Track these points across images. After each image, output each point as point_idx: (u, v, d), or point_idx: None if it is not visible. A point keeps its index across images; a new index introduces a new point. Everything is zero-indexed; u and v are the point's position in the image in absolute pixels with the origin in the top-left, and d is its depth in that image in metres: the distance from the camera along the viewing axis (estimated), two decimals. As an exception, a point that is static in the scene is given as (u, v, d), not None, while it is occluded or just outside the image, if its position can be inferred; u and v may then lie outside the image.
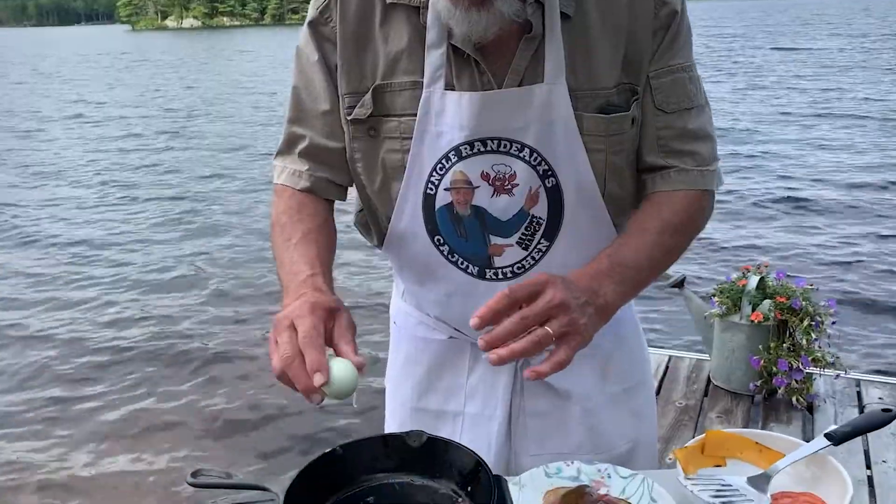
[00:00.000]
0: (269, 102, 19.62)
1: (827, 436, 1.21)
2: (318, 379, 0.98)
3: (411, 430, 1.09)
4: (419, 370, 1.50)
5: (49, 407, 4.75)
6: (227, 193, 10.44)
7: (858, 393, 3.49)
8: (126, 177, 11.68)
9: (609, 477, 1.29)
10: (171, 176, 11.68)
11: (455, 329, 1.45)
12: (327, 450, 1.06)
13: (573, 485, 1.25)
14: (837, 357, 3.33)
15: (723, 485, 1.20)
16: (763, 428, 3.24)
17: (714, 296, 3.50)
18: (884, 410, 1.23)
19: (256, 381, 4.99)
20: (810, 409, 3.37)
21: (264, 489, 1.00)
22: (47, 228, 8.86)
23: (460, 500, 1.03)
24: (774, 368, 3.30)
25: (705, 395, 3.55)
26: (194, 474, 1.03)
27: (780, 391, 3.34)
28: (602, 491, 1.22)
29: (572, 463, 1.32)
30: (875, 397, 3.43)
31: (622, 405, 1.49)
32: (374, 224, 1.40)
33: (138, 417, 4.60)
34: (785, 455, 1.26)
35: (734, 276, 3.55)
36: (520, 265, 1.33)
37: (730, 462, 1.30)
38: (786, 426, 3.24)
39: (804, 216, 8.38)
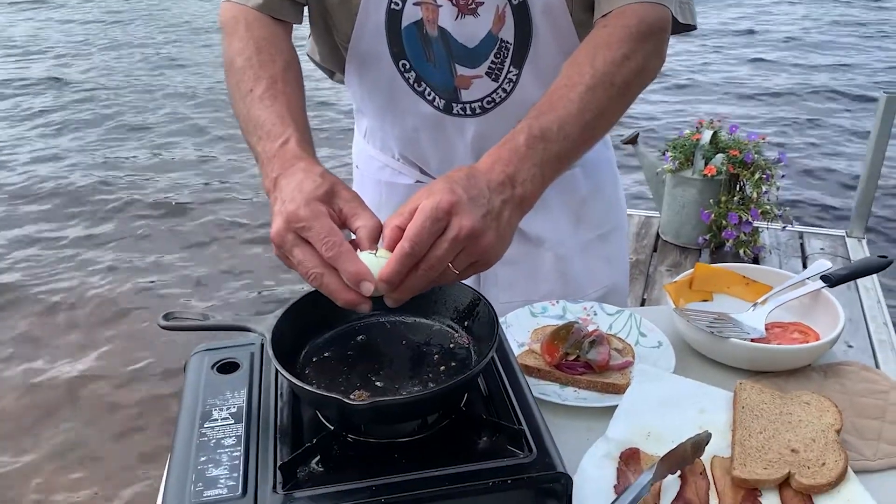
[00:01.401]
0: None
1: (823, 278, 1.19)
2: (367, 289, 0.84)
3: (399, 267, 1.02)
4: (384, 218, 1.41)
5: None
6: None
7: (801, 245, 3.59)
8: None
9: (595, 314, 1.26)
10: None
11: (421, 171, 1.36)
12: (313, 288, 0.98)
13: (559, 323, 1.22)
14: (785, 209, 3.39)
15: (716, 317, 1.18)
16: (711, 279, 3.31)
17: (667, 151, 3.48)
18: (880, 257, 1.22)
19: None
20: (756, 260, 3.45)
21: (247, 329, 0.92)
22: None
23: (456, 334, 0.98)
24: (724, 222, 3.35)
25: (654, 250, 3.59)
26: (166, 316, 0.94)
27: (728, 244, 3.40)
28: (590, 328, 1.19)
29: (557, 302, 1.28)
30: (817, 248, 3.54)
31: (595, 251, 1.45)
32: (331, 52, 1.27)
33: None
34: (772, 287, 1.24)
35: (687, 131, 3.52)
36: (489, 99, 1.23)
37: (717, 297, 1.28)
38: (733, 277, 3.32)
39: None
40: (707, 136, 3.36)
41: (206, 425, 0.89)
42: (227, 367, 0.99)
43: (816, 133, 6.57)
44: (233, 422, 0.89)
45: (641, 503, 0.88)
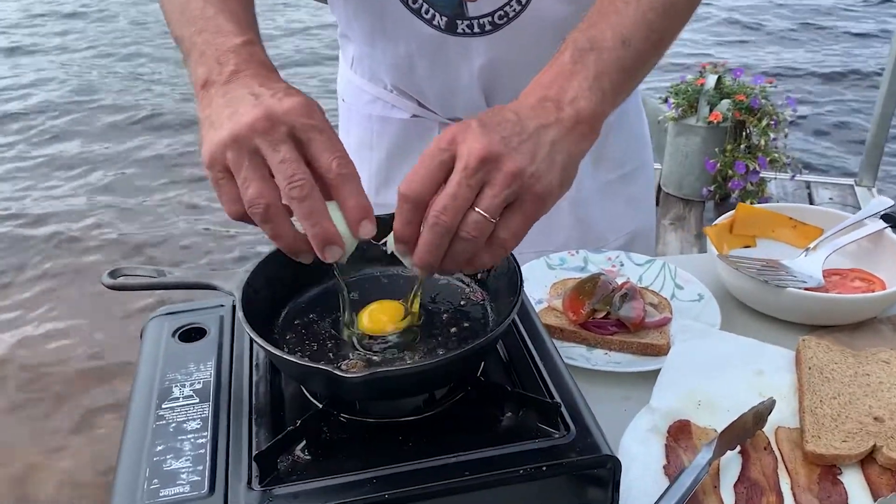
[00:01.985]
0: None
1: (885, 217, 1.03)
2: (332, 254, 0.67)
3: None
4: (376, 157, 1.23)
5: None
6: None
7: (809, 194, 3.44)
8: None
9: (622, 265, 1.09)
10: None
11: (418, 104, 1.18)
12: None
13: (581, 276, 1.05)
14: (793, 157, 3.23)
15: (764, 265, 1.01)
16: (717, 232, 3.16)
17: (669, 97, 3.30)
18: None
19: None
20: (763, 211, 3.30)
21: (212, 287, 0.75)
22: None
23: (468, 289, 0.81)
24: (730, 171, 3.18)
25: (656, 203, 3.42)
26: (112, 273, 0.77)
27: (733, 195, 3.25)
28: (620, 280, 1.02)
29: (577, 252, 1.11)
30: (825, 198, 3.39)
31: (617, 194, 1.27)
32: None
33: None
34: (823, 230, 1.08)
35: (690, 76, 3.34)
36: (501, 13, 1.04)
37: (760, 242, 1.12)
38: (740, 229, 3.17)
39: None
40: (711, 80, 3.17)
41: (164, 406, 0.72)
42: (191, 335, 0.82)
43: (825, 88, 6.32)
44: (197, 400, 0.73)
45: (700, 486, 0.73)
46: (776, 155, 3.14)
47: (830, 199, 3.37)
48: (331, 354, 0.73)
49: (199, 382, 0.75)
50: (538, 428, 0.68)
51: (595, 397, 0.85)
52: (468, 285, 0.82)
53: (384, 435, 0.69)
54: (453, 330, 0.76)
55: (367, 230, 0.67)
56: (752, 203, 3.20)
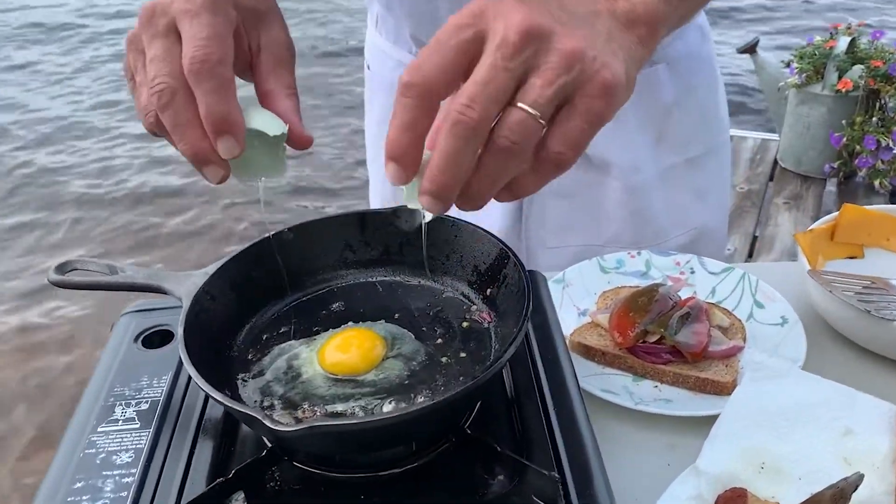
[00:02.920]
0: None
1: None
2: (227, 148, 0.55)
3: (400, 206, 0.70)
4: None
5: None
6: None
7: (951, 175, 3.03)
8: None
9: (692, 272, 0.91)
10: None
11: None
12: (267, 233, 0.68)
13: (641, 283, 0.88)
14: (935, 133, 2.84)
15: (869, 284, 0.81)
16: (838, 215, 2.84)
17: (792, 61, 2.95)
18: None
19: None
20: (893, 194, 2.94)
21: (159, 291, 0.63)
22: None
23: (474, 306, 0.66)
24: (858, 147, 2.83)
25: (770, 178, 3.11)
26: (61, 268, 0.66)
27: (860, 173, 2.90)
28: (685, 294, 0.84)
29: (639, 253, 0.93)
30: (971, 180, 2.97)
31: (682, 181, 1.06)
32: None
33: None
34: (955, 242, 0.85)
35: (818, 38, 2.98)
36: None
37: (869, 252, 0.91)
38: (865, 213, 2.83)
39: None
40: (843, 43, 2.81)
41: (101, 429, 0.61)
42: (156, 339, 0.71)
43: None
44: (138, 426, 0.62)
45: (748, 587, 0.56)
46: (914, 129, 2.76)
47: (976, 181, 2.96)
48: (298, 383, 0.60)
49: (145, 402, 0.64)
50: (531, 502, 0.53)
51: (632, 442, 0.70)
52: (473, 302, 0.67)
53: (346, 491, 0.56)
54: (444, 360, 0.61)
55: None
56: (881, 183, 2.86)
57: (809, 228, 0.87)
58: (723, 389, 0.74)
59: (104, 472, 0.57)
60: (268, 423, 0.49)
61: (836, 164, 2.95)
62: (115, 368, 0.68)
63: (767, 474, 0.65)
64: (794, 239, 2.74)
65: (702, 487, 0.63)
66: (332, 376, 0.60)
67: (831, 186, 3.03)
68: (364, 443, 0.53)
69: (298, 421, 0.55)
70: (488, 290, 0.66)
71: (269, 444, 0.57)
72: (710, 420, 0.71)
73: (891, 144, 2.79)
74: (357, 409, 0.56)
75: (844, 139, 2.86)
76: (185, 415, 0.62)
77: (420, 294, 0.69)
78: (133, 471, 0.57)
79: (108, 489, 0.56)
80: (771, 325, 0.82)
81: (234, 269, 0.66)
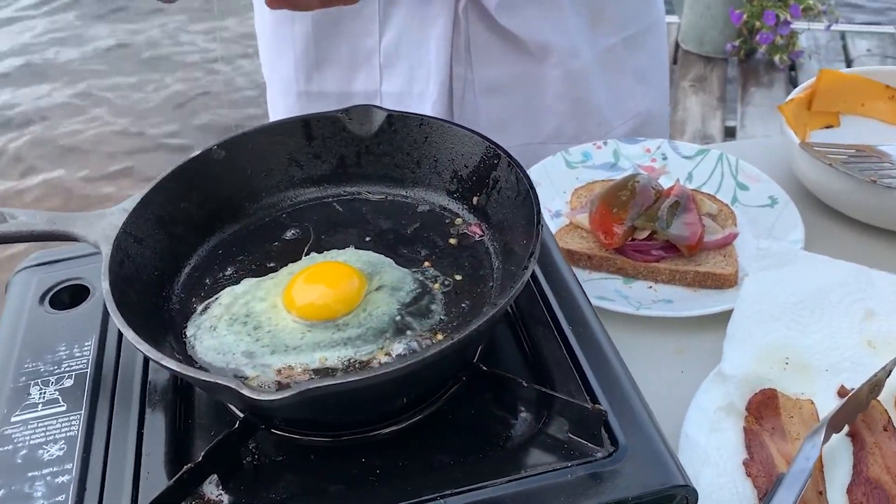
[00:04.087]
0: None
1: None
2: None
3: (354, 106, 0.58)
4: (300, 32, 0.92)
5: None
6: None
7: (844, 46, 3.08)
8: None
9: (664, 158, 0.83)
10: None
11: None
12: (194, 153, 0.55)
13: (612, 176, 0.79)
14: (829, 3, 2.86)
15: (855, 153, 0.75)
16: (743, 93, 2.85)
17: (689, -62, 2.89)
18: None
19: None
20: (793, 68, 2.97)
21: (68, 238, 0.50)
22: None
23: (458, 219, 0.56)
24: (758, 23, 2.82)
25: (674, 62, 3.08)
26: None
27: (760, 50, 2.90)
28: (664, 181, 0.77)
29: (605, 143, 0.85)
30: (863, 49, 3.04)
31: (622, 64, 0.97)
32: None
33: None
34: (933, 102, 0.80)
35: (713, -88, 2.91)
36: None
37: (845, 119, 0.85)
38: (767, 89, 2.86)
39: None
40: (738, -84, 2.76)
41: (15, 418, 0.49)
42: (68, 297, 0.58)
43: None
44: (64, 408, 0.49)
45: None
46: (811, 2, 2.77)
47: (868, 50, 3.02)
48: (263, 334, 0.49)
49: (68, 377, 0.51)
50: (570, 443, 0.44)
51: (639, 352, 0.62)
52: (458, 214, 0.56)
53: (339, 457, 0.46)
54: (437, 286, 0.51)
55: None
56: (780, 58, 2.87)
57: (789, 98, 0.80)
58: (725, 282, 0.68)
59: (30, 473, 0.45)
60: (248, 394, 0.38)
61: (737, 43, 2.94)
62: (21, 339, 0.54)
63: (793, 370, 0.59)
64: (716, 107, 2.73)
65: (731, 394, 0.57)
66: (304, 322, 0.48)
67: (733, 65, 3.03)
68: (369, 400, 0.43)
69: (281, 385, 0.45)
70: (475, 199, 0.55)
71: (241, 414, 0.46)
72: (717, 318, 0.65)
73: (789, 18, 2.79)
74: (346, 361, 0.46)
75: (745, 16, 2.84)
76: (123, 386, 0.50)
77: (390, 211, 0.57)
78: (68, 466, 0.45)
79: (39, 494, 0.44)
80: (759, 208, 0.76)
81: (157, 201, 0.53)
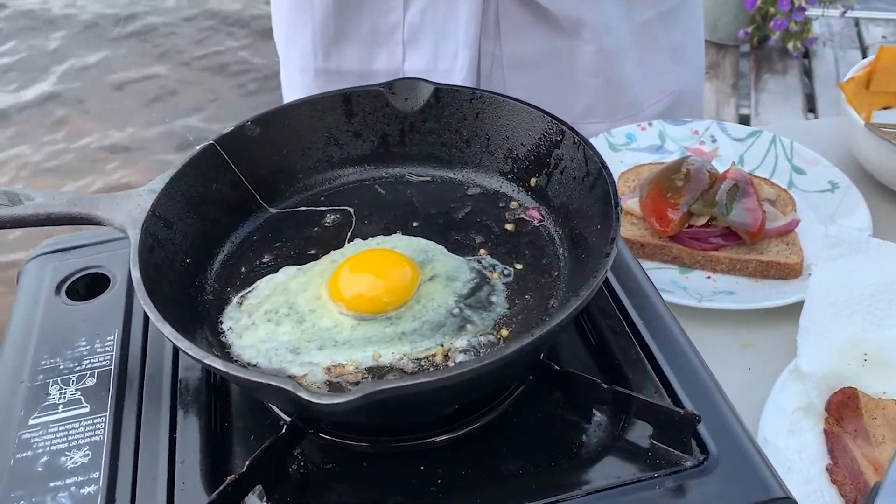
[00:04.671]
0: None
1: None
2: None
3: (398, 79, 0.53)
4: (320, 5, 0.87)
5: None
6: None
7: (859, 33, 3.03)
8: None
9: (713, 141, 0.78)
10: None
11: None
12: (230, 128, 0.50)
13: (659, 159, 0.75)
14: (846, -11, 2.80)
15: (927, 136, 0.70)
16: (756, 80, 2.80)
17: (703, -77, 2.83)
18: None
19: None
20: (807, 55, 2.92)
21: (91, 221, 0.45)
22: None
23: (514, 202, 0.51)
24: (772, 9, 2.77)
25: (684, 49, 3.03)
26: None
27: (773, 37, 2.85)
28: (716, 166, 0.72)
29: (650, 125, 0.80)
30: (878, 36, 2.98)
31: (656, 41, 0.92)
32: None
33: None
34: None
35: None
36: None
37: (904, 101, 0.80)
38: (782, 76, 2.80)
39: None
40: None
41: (33, 421, 0.44)
42: (87, 287, 0.53)
43: None
44: (87, 409, 0.44)
45: None
46: (827, -13, 2.72)
47: (884, 37, 2.97)
48: (308, 329, 0.44)
49: (91, 375, 0.46)
50: (653, 450, 0.40)
51: (702, 348, 0.57)
52: (513, 197, 0.51)
53: (394, 464, 0.41)
54: (495, 276, 0.46)
55: None
56: (794, 45, 2.82)
57: (848, 77, 0.75)
58: (789, 272, 0.63)
59: (52, 483, 0.41)
60: (305, 396, 0.33)
61: (749, 29, 2.88)
62: (37, 333, 0.49)
63: (872, 367, 0.55)
64: (730, 95, 2.68)
65: (810, 394, 0.52)
66: (352, 315, 0.44)
67: (745, 52, 2.98)
68: (436, 401, 0.38)
69: (332, 385, 0.40)
70: (532, 180, 0.51)
71: (286, 417, 0.41)
72: (783, 310, 0.60)
73: (803, 4, 2.74)
74: (408, 358, 0.41)
75: (759, 2, 2.78)
76: (151, 385, 0.46)
77: (437, 194, 0.53)
78: (94, 475, 0.41)
79: (64, 506, 0.40)
80: (818, 193, 0.71)
81: (187, 181, 0.48)
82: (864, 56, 2.86)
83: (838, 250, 0.61)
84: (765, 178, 0.72)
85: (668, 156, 0.76)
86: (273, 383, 0.34)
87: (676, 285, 0.64)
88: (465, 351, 0.42)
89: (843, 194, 0.70)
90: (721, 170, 0.70)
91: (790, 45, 2.84)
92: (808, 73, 2.86)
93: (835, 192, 0.70)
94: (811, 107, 2.65)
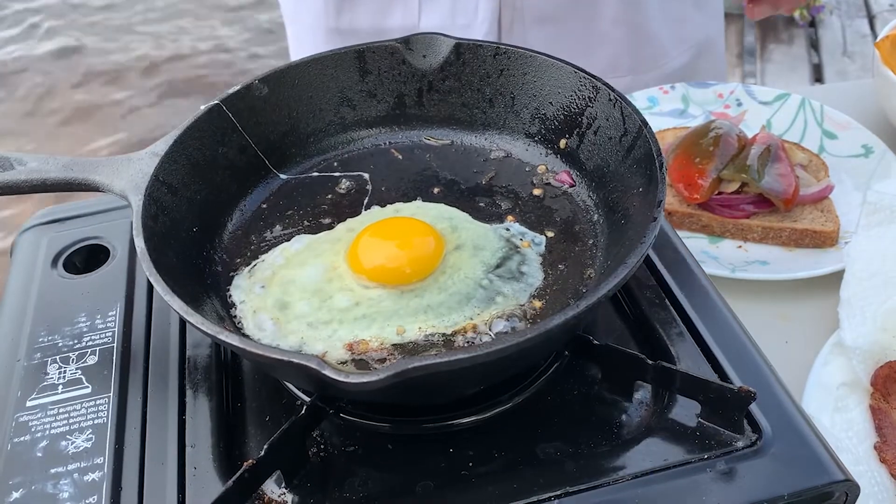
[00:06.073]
0: None
1: None
2: None
3: (415, 35, 0.50)
4: None
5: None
6: None
7: (866, 1, 2.98)
8: None
9: (738, 104, 0.75)
10: None
11: None
12: (235, 87, 0.47)
13: (683, 123, 0.71)
14: (854, -45, 2.75)
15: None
16: (762, 49, 2.75)
17: None
18: None
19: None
20: (813, 24, 2.86)
21: (88, 187, 0.42)
22: None
23: (541, 166, 0.48)
24: (778, -24, 2.71)
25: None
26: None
27: (779, 5, 2.79)
28: (746, 130, 0.68)
29: (672, 88, 0.76)
30: (885, 5, 2.93)
31: None
32: None
33: None
34: None
35: None
36: None
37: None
38: (788, 46, 2.76)
39: None
40: None
41: (30, 402, 0.41)
42: (85, 260, 0.50)
43: None
44: (89, 389, 0.41)
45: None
46: (835, -46, 2.66)
47: (891, 5, 2.92)
48: (326, 301, 0.41)
49: (92, 353, 0.43)
50: (702, 430, 0.37)
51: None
52: (541, 160, 0.48)
53: (422, 446, 0.38)
54: (525, 246, 0.43)
55: None
56: (801, 14, 2.77)
57: (883, 35, 0.72)
58: (825, 240, 0.60)
59: (53, 469, 0.38)
60: (332, 375, 0.30)
61: (755, -2, 2.83)
62: (33, 308, 0.46)
63: (918, 339, 0.52)
64: (735, 65, 2.64)
65: (856, 368, 0.49)
66: (374, 287, 0.41)
67: (750, 22, 2.93)
68: (471, 379, 0.35)
69: (356, 362, 0.37)
70: (562, 142, 0.47)
71: (305, 397, 0.38)
72: (820, 280, 0.57)
73: (811, -29, 2.69)
74: (436, 333, 0.38)
75: (764, -31, 2.73)
76: (157, 363, 0.42)
77: (458, 158, 0.49)
78: (98, 460, 0.38)
79: (66, 495, 0.37)
80: (851, 158, 0.68)
81: (191, 144, 0.44)
82: (872, 26, 2.81)
83: (878, 217, 0.58)
84: (795, 143, 0.68)
85: (692, 120, 0.72)
86: (297, 360, 0.31)
87: (707, 255, 0.60)
88: (494, 324, 0.39)
89: (878, 159, 0.66)
90: (749, 134, 0.66)
91: (797, 14, 2.79)
92: (814, 42, 2.81)
93: (869, 157, 0.67)
94: (818, 77, 2.60)
